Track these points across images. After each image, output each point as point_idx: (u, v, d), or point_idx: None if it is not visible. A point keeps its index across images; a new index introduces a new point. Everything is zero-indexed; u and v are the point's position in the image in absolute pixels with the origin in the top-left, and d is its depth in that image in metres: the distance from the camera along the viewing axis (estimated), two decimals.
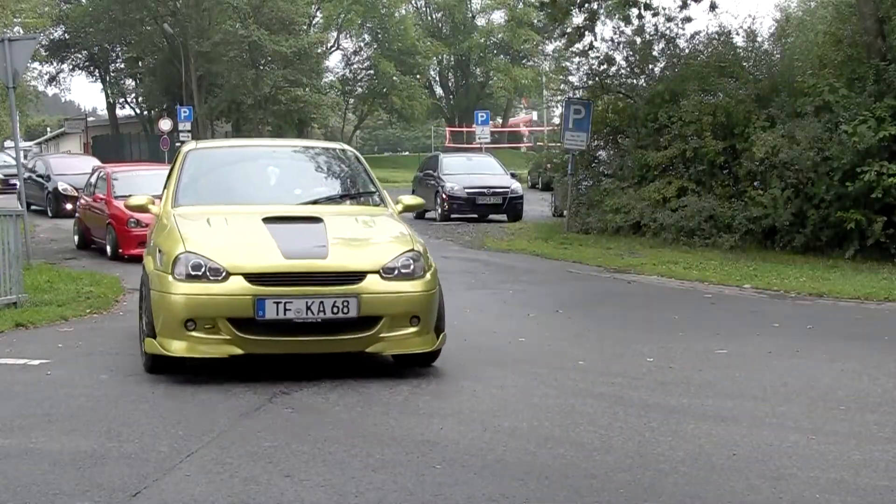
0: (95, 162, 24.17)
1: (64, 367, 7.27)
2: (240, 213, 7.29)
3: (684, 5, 18.90)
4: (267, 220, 6.92)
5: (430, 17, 65.64)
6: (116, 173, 16.91)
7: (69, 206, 22.28)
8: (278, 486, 4.42)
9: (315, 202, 7.83)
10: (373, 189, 8.06)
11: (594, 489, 4.36)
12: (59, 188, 23.88)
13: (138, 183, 15.87)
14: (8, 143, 43.90)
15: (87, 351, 7.97)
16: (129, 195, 15.38)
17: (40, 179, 25.09)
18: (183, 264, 6.42)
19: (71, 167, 25.24)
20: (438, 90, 67.74)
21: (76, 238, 17.27)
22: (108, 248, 15.28)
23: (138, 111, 60.16)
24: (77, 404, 6.04)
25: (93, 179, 17.63)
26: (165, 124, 41.61)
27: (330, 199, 8.00)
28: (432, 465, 4.70)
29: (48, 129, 75.54)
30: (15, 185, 24.20)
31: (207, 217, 7.11)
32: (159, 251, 6.81)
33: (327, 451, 4.94)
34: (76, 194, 21.45)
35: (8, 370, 7.21)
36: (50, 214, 23.89)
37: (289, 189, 8.10)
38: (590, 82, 20.54)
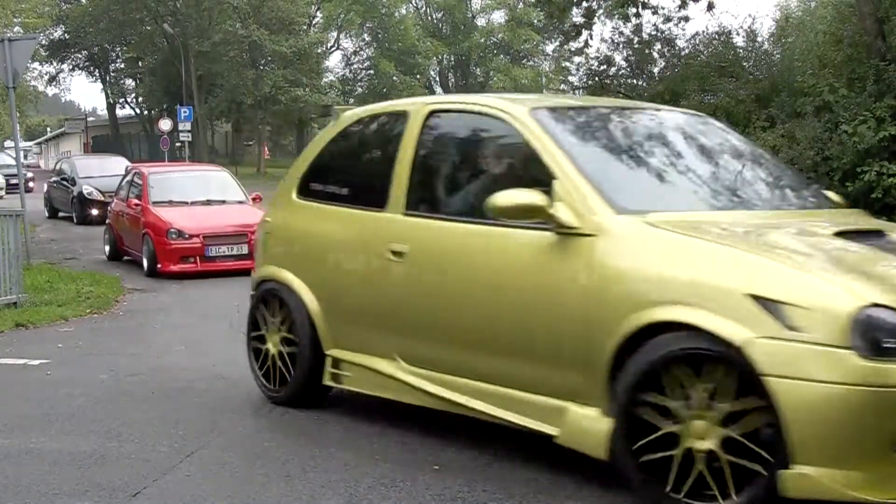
0: (126, 162, 22.62)
1: (64, 367, 7.28)
2: (792, 225, 4.43)
3: (683, 5, 18.91)
4: (840, 235, 4.24)
5: (430, 17, 65.67)
6: (153, 174, 15.08)
7: (95, 212, 20.85)
8: (278, 486, 4.42)
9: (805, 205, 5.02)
10: (804, 181, 5.56)
11: (594, 489, 4.35)
12: (84, 192, 21.83)
13: (180, 185, 14.87)
14: (8, 143, 43.90)
15: (87, 351, 7.97)
16: (169, 200, 14.06)
17: (66, 183, 23.08)
18: (869, 327, 3.50)
19: (98, 169, 23.11)
20: (438, 90, 67.77)
21: (107, 248, 15.66)
22: (145, 263, 13.62)
23: (138, 111, 60.22)
24: (77, 404, 6.04)
25: (126, 181, 15.78)
26: (165, 124, 41.63)
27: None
28: (432, 464, 4.70)
29: (48, 129, 75.65)
30: (16, 185, 23.92)
31: (748, 230, 4.23)
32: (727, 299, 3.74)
33: (328, 452, 4.93)
34: (103, 198, 20.25)
35: (8, 370, 7.22)
36: (75, 221, 22.00)
37: (741, 181, 5.01)
38: (590, 82, 20.54)
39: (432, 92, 65.16)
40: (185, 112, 41.12)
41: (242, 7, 47.24)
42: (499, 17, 63.73)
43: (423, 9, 65.40)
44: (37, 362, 7.40)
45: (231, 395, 6.22)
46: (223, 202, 14.63)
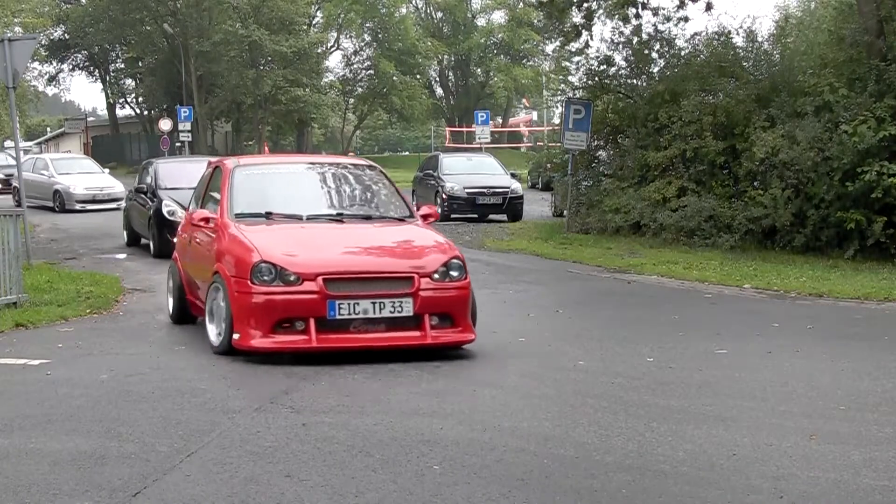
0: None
1: (64, 367, 7.27)
2: None
3: (681, 5, 18.92)
4: None
5: (430, 17, 65.69)
6: (241, 168, 8.78)
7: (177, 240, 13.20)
8: (278, 486, 4.42)
9: None
10: None
11: (594, 489, 4.36)
12: (165, 211, 14.71)
13: (287, 187, 8.77)
14: (8, 143, 43.92)
15: (87, 351, 7.97)
16: (265, 213, 8.15)
17: (143, 197, 16.01)
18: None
19: (188, 176, 14.01)
20: (438, 90, 67.80)
21: (170, 301, 9.32)
22: (211, 330, 7.73)
23: (138, 111, 60.23)
24: (77, 404, 6.04)
25: (201, 186, 9.61)
26: (165, 124, 41.66)
27: None
28: (432, 465, 4.70)
29: (48, 129, 75.59)
30: (16, 185, 23.57)
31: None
32: None
33: (327, 451, 4.94)
34: None
35: (8, 370, 7.21)
36: (152, 253, 15.14)
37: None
38: (590, 82, 20.55)
39: (433, 92, 65.23)
40: (185, 112, 41.12)
41: (242, 7, 47.27)
42: (499, 17, 63.83)
43: (423, 9, 65.43)
44: (37, 362, 7.40)
45: (231, 395, 6.22)
46: (368, 218, 8.49)
